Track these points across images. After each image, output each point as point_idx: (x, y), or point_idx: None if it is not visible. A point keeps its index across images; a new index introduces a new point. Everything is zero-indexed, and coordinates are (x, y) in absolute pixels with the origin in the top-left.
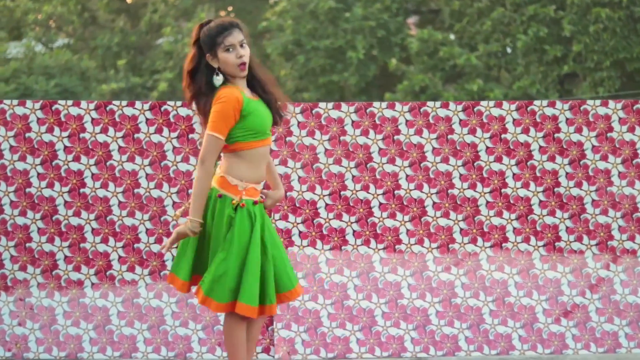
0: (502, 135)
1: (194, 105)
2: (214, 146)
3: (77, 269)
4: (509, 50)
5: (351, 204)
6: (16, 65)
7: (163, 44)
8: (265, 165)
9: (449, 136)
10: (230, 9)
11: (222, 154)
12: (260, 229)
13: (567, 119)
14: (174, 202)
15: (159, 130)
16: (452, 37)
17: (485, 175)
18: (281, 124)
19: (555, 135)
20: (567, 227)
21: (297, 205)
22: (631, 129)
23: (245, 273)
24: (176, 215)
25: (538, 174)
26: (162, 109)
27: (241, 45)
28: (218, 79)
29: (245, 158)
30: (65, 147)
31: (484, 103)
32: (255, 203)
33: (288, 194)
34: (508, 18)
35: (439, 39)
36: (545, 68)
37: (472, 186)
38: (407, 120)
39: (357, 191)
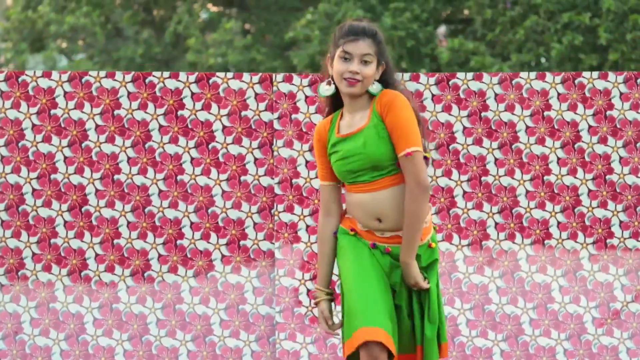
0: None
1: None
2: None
3: (71, 271)
4: (543, 59)
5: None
6: None
7: (187, 55)
8: None
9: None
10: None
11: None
12: None
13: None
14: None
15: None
16: (483, 46)
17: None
18: None
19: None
20: None
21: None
22: None
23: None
24: None
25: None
26: (147, 80)
27: (363, 61)
28: (326, 89)
29: None
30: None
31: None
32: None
33: None
34: (542, 26)
35: (470, 49)
36: None
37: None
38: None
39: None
